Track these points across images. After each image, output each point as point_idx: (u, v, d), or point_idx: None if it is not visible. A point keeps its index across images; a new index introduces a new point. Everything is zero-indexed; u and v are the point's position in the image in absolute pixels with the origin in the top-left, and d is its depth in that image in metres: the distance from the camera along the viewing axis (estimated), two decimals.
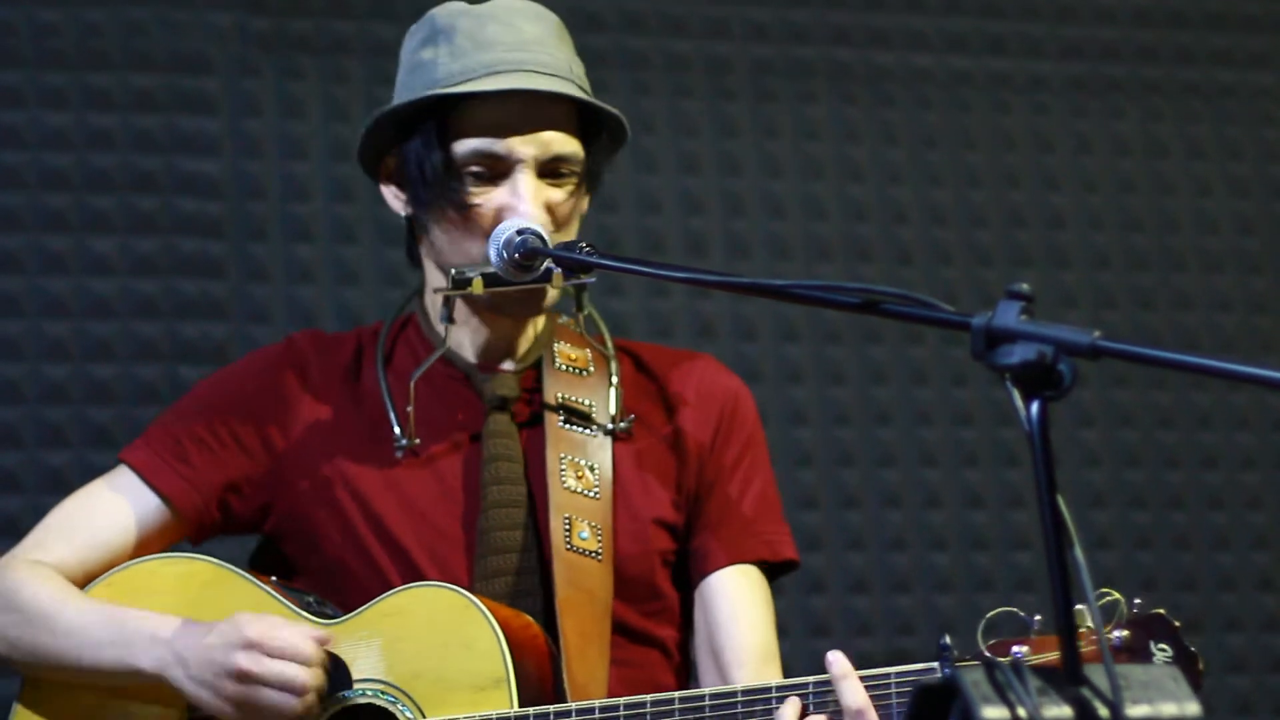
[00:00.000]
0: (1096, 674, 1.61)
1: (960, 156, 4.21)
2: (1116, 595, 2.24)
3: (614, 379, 2.62)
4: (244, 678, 2.34)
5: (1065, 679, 1.61)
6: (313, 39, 3.88)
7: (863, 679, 2.25)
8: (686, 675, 2.64)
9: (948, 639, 2.19)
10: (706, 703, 2.31)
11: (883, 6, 4.21)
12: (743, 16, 4.13)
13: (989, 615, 2.22)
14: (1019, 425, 1.67)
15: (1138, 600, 2.25)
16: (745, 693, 2.31)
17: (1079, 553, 1.64)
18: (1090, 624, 2.26)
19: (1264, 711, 4.09)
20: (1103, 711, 1.59)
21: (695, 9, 4.10)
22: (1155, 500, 4.15)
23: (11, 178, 3.69)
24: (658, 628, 2.58)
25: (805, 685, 2.29)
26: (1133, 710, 1.59)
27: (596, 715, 2.33)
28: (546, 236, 2.42)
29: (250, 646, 2.35)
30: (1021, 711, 1.57)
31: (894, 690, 2.25)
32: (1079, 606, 2.22)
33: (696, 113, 4.07)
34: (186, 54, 3.80)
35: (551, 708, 2.35)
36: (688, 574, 2.61)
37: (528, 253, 2.40)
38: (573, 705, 2.35)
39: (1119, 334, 1.71)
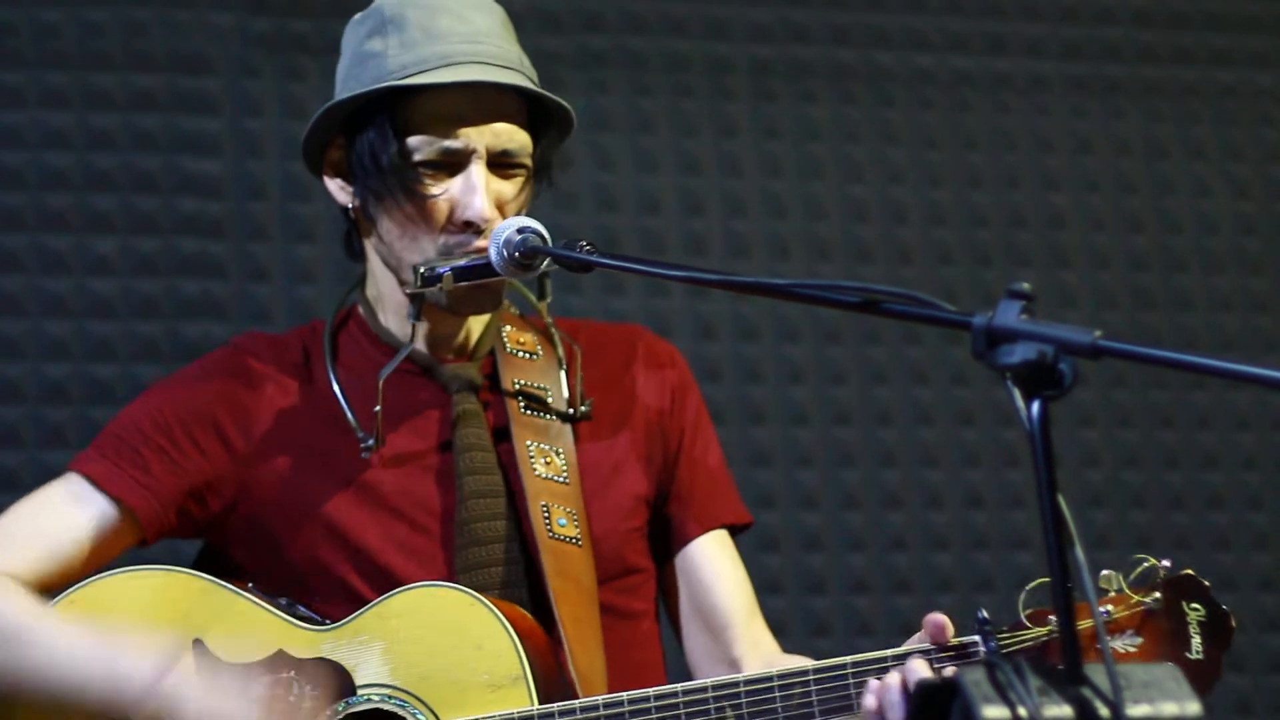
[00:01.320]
0: (1098, 674, 1.62)
1: (961, 157, 4.21)
2: (1151, 560, 2.29)
3: (563, 362, 2.63)
4: None
5: (1066, 678, 1.61)
6: (313, 39, 3.88)
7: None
8: (662, 641, 2.66)
9: (984, 612, 2.20)
10: (775, 683, 2.32)
11: (883, 7, 4.21)
12: (743, 17, 4.13)
13: (1029, 586, 2.23)
14: (1019, 425, 1.67)
15: (1166, 561, 2.29)
16: (816, 671, 2.32)
17: (1080, 552, 1.65)
18: (1116, 588, 2.30)
19: (1264, 712, 4.09)
20: (1103, 711, 1.59)
21: (696, 9, 4.10)
22: (1155, 500, 4.15)
23: (12, 178, 3.69)
24: (638, 602, 2.60)
25: (884, 659, 2.31)
26: (1133, 710, 1.59)
27: (626, 708, 2.32)
28: (546, 235, 2.42)
29: None
30: (1022, 711, 1.57)
31: None
32: (1105, 572, 2.26)
33: (697, 113, 4.07)
34: (187, 54, 3.80)
35: (577, 703, 2.34)
36: (661, 543, 2.64)
37: (528, 251, 2.40)
38: (599, 699, 2.34)
39: (1119, 334, 1.70)
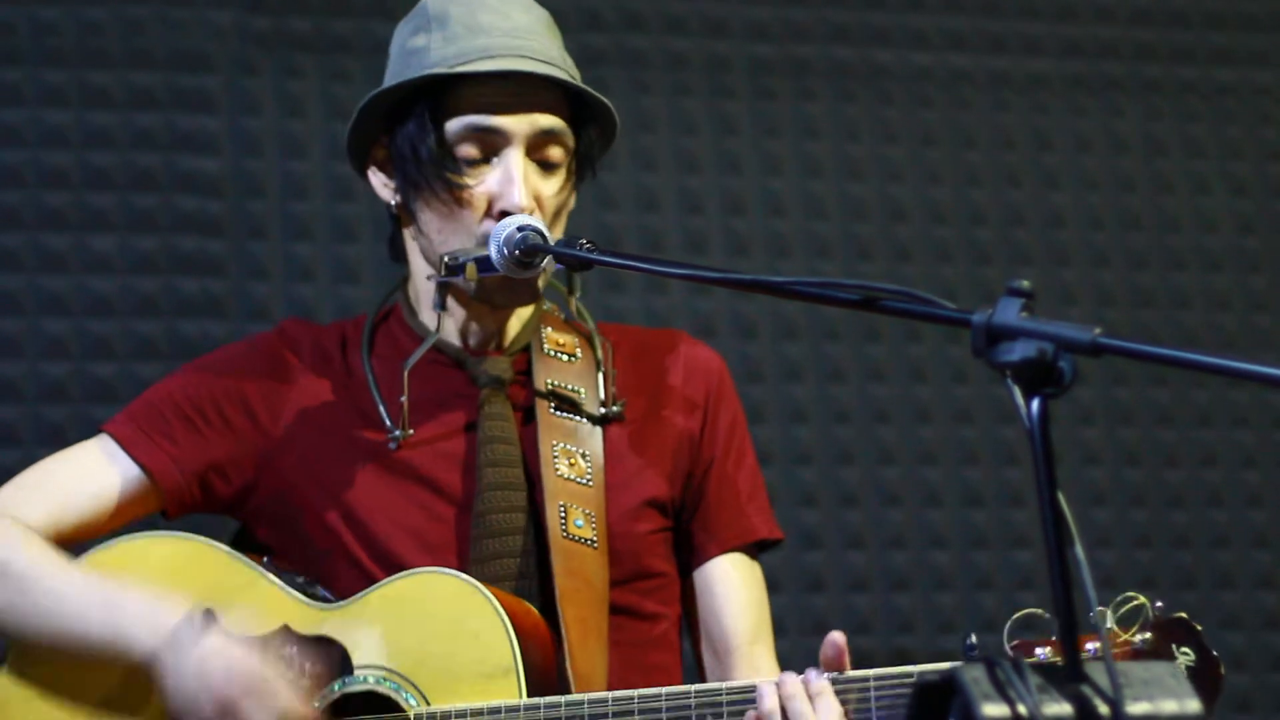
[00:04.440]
0: (1097, 671, 1.61)
1: (960, 155, 4.21)
2: (1142, 599, 2.26)
3: (601, 365, 2.64)
4: (226, 713, 2.31)
5: (1066, 676, 1.61)
6: (312, 37, 3.88)
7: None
8: (682, 649, 2.66)
9: (974, 638, 2.19)
10: (724, 696, 2.31)
11: (882, 5, 4.21)
12: (742, 15, 4.13)
13: (1016, 616, 2.22)
14: (1019, 423, 1.67)
15: (1160, 603, 2.27)
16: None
17: (1079, 551, 1.64)
18: (1115, 626, 2.28)
19: (1264, 709, 4.09)
20: (1103, 709, 1.58)
21: (695, 7, 4.10)
22: (1155, 498, 4.15)
23: (11, 176, 3.68)
24: (657, 606, 2.60)
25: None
26: (1133, 708, 1.59)
27: (610, 705, 2.33)
28: (547, 233, 2.43)
29: (249, 692, 2.30)
30: (1021, 709, 1.57)
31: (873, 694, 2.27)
32: (1101, 608, 2.25)
33: (696, 111, 4.07)
34: (186, 52, 3.80)
35: (562, 699, 2.35)
36: (685, 555, 2.65)
37: (529, 249, 2.41)
38: (584, 696, 2.35)
39: (1118, 332, 1.70)
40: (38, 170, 3.70)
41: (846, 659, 2.26)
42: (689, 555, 2.65)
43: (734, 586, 2.63)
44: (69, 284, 3.68)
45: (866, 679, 2.25)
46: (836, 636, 2.26)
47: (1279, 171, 4.39)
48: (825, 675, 2.25)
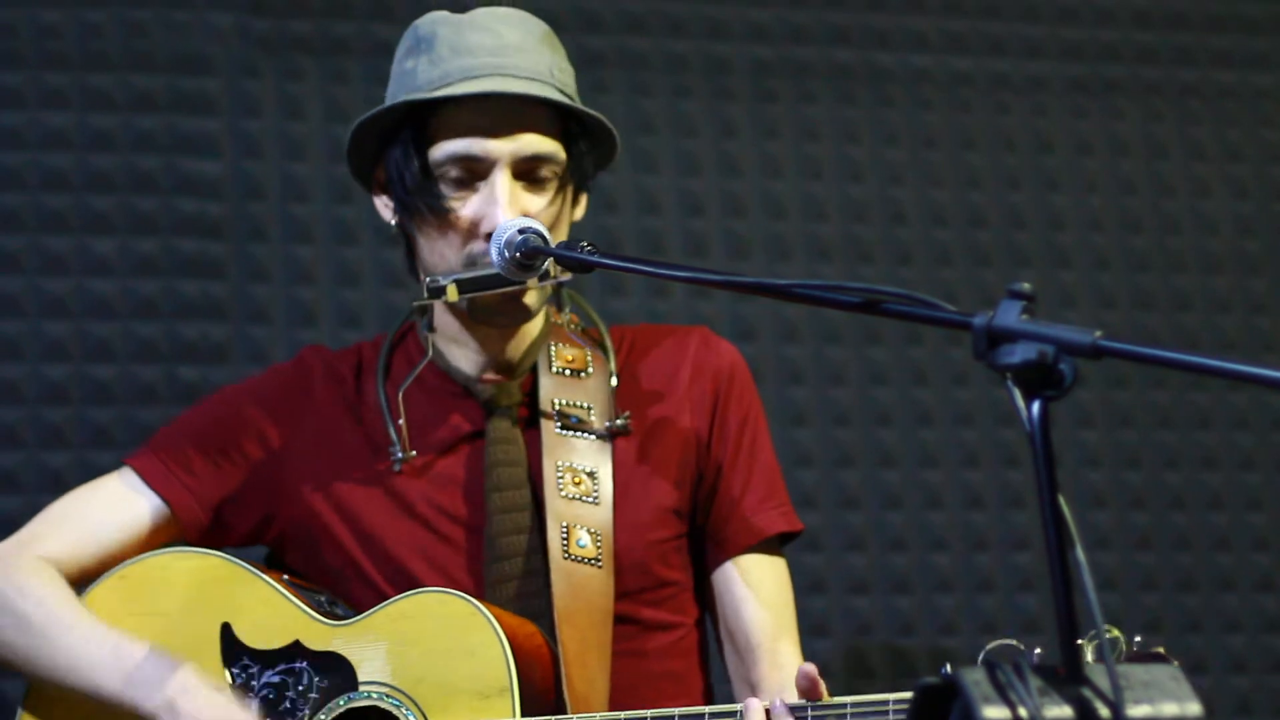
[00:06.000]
0: (1098, 674, 1.61)
1: (960, 157, 4.20)
2: (1117, 633, 2.25)
3: (614, 379, 2.63)
4: None
5: (1066, 679, 1.61)
6: (313, 40, 3.88)
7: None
8: (706, 651, 2.66)
9: (949, 667, 2.19)
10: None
11: (883, 7, 4.21)
12: (742, 17, 4.13)
13: (988, 647, 2.21)
14: (1020, 425, 1.67)
15: (1139, 638, 2.26)
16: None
17: (1080, 553, 1.64)
18: (1091, 658, 2.27)
19: (1264, 712, 4.08)
20: (1104, 711, 1.59)
21: (695, 9, 4.10)
22: (1155, 501, 4.15)
23: (12, 178, 3.68)
24: (670, 614, 2.60)
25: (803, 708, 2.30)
26: (1134, 710, 1.59)
27: None
28: (548, 236, 2.43)
29: None
30: (1022, 711, 1.57)
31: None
32: (1081, 642, 2.24)
33: (696, 113, 4.07)
34: (187, 55, 3.80)
35: (551, 719, 2.36)
36: (700, 553, 2.65)
37: (529, 252, 2.41)
38: (572, 718, 2.37)
39: (1119, 334, 1.70)
40: (39, 172, 3.70)
41: (822, 686, 2.27)
42: (706, 557, 2.65)
43: (752, 586, 2.64)
44: (69, 286, 3.68)
45: (844, 705, 2.26)
46: (808, 668, 2.27)
47: None
48: (796, 705, 2.25)
